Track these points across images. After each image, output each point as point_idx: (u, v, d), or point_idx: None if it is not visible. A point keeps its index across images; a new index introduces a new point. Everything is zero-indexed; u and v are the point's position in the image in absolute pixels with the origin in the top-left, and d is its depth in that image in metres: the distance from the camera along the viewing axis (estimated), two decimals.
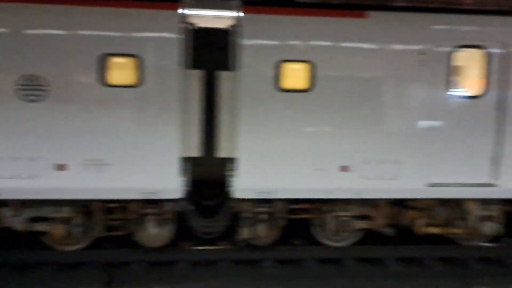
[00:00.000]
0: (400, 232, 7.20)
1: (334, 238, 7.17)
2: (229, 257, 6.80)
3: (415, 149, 6.38)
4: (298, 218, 6.82)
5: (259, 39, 6.13)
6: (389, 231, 7.10)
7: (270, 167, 6.24)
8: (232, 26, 6.47)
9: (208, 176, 6.88)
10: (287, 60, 6.14)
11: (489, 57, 6.36)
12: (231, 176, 6.38)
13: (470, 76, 6.64)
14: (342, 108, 6.25)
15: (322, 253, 7.01)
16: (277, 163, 6.25)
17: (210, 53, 6.72)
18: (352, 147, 6.31)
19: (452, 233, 7.00)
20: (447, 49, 6.32)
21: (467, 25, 6.39)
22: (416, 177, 6.42)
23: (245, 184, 6.25)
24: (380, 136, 6.35)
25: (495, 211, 6.89)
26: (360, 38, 6.24)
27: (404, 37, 6.30)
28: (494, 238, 7.39)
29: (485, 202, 6.86)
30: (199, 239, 6.92)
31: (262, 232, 6.61)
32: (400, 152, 6.37)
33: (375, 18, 6.23)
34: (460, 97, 6.45)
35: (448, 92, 6.37)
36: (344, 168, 6.33)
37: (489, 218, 6.95)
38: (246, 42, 6.06)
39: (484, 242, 7.41)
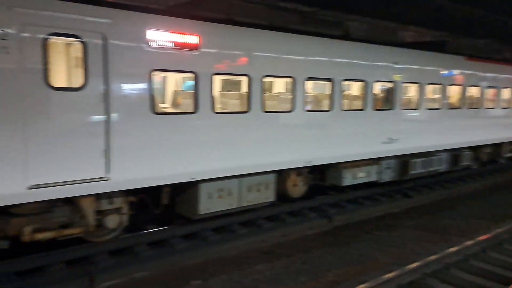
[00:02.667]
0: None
1: None
2: None
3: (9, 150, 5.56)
4: None
5: None
6: (1, 244, 6.15)
7: None
8: None
9: None
10: None
11: (88, 48, 6.12)
12: None
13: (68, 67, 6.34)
14: None
15: None
16: None
17: None
18: None
19: (70, 234, 6.63)
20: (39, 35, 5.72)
21: (62, 12, 5.92)
22: (14, 180, 5.62)
23: None
24: None
25: (117, 203, 6.94)
26: None
27: None
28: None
29: (106, 196, 6.79)
30: None
31: None
32: None
33: None
34: (59, 89, 6.00)
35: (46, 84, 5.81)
36: None
37: (112, 212, 6.97)
38: None
39: (115, 235, 7.42)
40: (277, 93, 10.27)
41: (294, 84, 8.87)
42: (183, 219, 8.47)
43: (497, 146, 15.71)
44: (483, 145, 14.71)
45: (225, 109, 8.87)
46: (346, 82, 10.22)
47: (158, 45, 6.77)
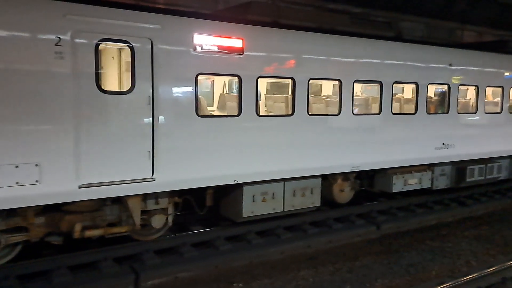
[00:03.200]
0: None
1: None
2: None
3: (62, 150, 5.88)
4: None
5: None
6: (56, 239, 6.52)
7: None
8: None
9: None
10: None
11: (136, 52, 6.34)
12: None
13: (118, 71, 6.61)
14: None
15: None
16: None
17: None
18: None
19: (117, 232, 6.88)
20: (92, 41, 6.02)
21: (112, 19, 6.19)
22: (66, 179, 5.94)
23: None
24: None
25: (162, 204, 7.13)
26: None
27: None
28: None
29: (152, 196, 6.99)
30: None
31: None
32: (41, 154, 5.76)
33: None
34: (109, 92, 6.27)
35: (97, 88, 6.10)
36: None
37: (157, 212, 7.16)
38: None
39: (160, 234, 7.62)
40: (324, 96, 10.09)
41: (341, 87, 8.66)
42: (228, 221, 8.52)
43: None
44: None
45: (269, 112, 8.85)
46: (397, 85, 9.83)
47: (203, 49, 6.88)
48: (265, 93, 9.65)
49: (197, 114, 6.97)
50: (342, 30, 9.13)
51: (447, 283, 6.35)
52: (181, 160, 6.86)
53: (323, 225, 9.28)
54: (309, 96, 8.33)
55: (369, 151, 9.24)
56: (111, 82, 6.82)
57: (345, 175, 9.62)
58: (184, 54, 6.75)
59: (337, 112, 8.72)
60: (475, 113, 11.14)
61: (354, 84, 8.84)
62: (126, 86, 6.49)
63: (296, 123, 8.15)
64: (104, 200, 6.58)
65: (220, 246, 7.78)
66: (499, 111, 11.69)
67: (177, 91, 6.80)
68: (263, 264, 7.70)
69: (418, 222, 10.19)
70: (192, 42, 6.79)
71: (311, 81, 8.28)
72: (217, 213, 8.58)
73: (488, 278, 6.62)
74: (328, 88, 10.42)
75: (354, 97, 8.93)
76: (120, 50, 6.80)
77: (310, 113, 8.32)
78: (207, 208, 7.98)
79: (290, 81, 8.10)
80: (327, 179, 9.37)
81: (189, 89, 6.87)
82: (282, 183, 8.33)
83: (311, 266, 7.66)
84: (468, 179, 11.17)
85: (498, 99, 11.82)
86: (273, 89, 9.84)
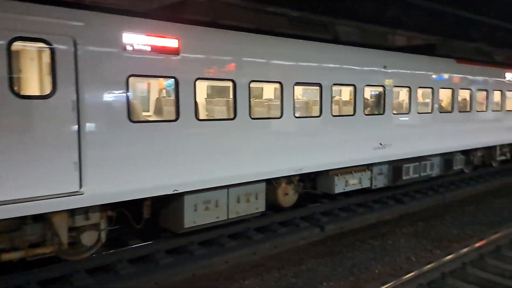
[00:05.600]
0: None
1: None
2: None
3: None
4: None
5: None
6: None
7: None
8: None
9: None
10: None
11: (55, 52, 5.72)
12: None
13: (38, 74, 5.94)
14: None
15: None
16: None
17: None
18: None
19: (41, 253, 6.18)
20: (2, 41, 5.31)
21: (26, 14, 5.52)
22: None
23: None
24: None
25: (93, 219, 6.51)
26: None
27: None
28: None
29: (81, 211, 6.36)
30: None
31: None
32: None
33: None
34: (27, 97, 5.59)
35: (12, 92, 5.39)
36: None
37: (87, 228, 6.54)
38: None
39: (92, 252, 6.97)
40: (265, 99, 9.95)
41: (282, 90, 8.54)
42: (169, 232, 8.05)
43: (490, 150, 15.54)
44: (475, 149, 14.52)
45: (210, 116, 8.51)
46: (336, 87, 9.93)
47: (134, 49, 6.40)
48: (205, 97, 9.30)
49: (130, 120, 6.46)
50: (282, 32, 9.04)
51: (390, 282, 6.39)
52: (114, 170, 6.30)
53: (268, 230, 9.11)
54: (251, 99, 8.11)
55: (311, 154, 9.22)
56: (30, 86, 6.10)
57: (289, 179, 9.53)
58: (112, 54, 6.23)
59: (279, 115, 8.59)
60: (409, 113, 11.59)
61: (295, 86, 8.77)
62: (47, 90, 5.82)
63: (238, 127, 7.89)
64: (23, 218, 5.84)
65: (160, 260, 7.31)
66: (430, 111, 12.28)
67: (106, 95, 6.24)
68: (207, 275, 7.34)
69: (360, 221, 10.37)
70: (122, 41, 6.29)
71: (252, 84, 8.07)
72: (157, 225, 8.08)
73: (429, 275, 6.78)
74: (269, 91, 10.30)
75: (295, 100, 8.86)
76: (40, 50, 6.11)
77: (252, 117, 8.10)
78: (144, 221, 7.46)
79: (230, 83, 7.83)
80: (271, 183, 9.21)
81: (120, 92, 6.35)
82: (226, 190, 8.03)
83: (256, 274, 7.43)
84: (404, 177, 11.59)
85: (429, 100, 12.41)
86: (213, 92, 9.52)
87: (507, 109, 15.37)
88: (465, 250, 7.74)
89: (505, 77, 15.21)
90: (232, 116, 7.84)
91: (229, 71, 7.76)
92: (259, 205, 8.70)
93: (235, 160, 7.86)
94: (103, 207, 6.65)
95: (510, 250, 8.19)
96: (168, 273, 7.07)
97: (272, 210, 9.76)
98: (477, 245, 8.02)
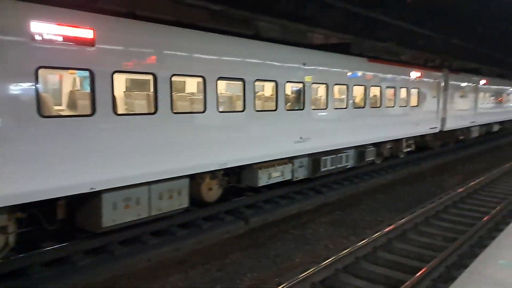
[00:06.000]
0: None
1: None
2: None
3: None
4: None
5: None
6: None
7: None
8: None
9: None
10: None
11: None
12: None
13: None
14: None
15: None
16: None
17: None
18: None
19: None
20: None
21: None
22: None
23: None
24: None
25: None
26: None
27: None
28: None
29: None
30: None
31: None
32: None
33: None
34: None
35: None
36: None
37: None
38: None
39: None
40: (188, 93, 9.83)
41: (205, 84, 8.52)
42: (87, 233, 7.66)
43: (397, 142, 16.94)
44: (384, 141, 15.73)
45: (129, 111, 8.22)
46: (259, 83, 10.13)
47: (44, 39, 5.95)
48: (124, 90, 8.94)
49: (40, 114, 6.01)
50: (204, 26, 8.99)
51: (310, 269, 6.74)
52: (22, 169, 5.83)
53: (192, 226, 9.06)
54: (173, 93, 7.97)
55: (235, 148, 9.33)
56: None
57: (213, 173, 9.55)
58: (19, 44, 5.73)
59: (202, 109, 8.56)
60: (326, 108, 12.20)
61: (218, 81, 8.79)
62: None
63: (159, 121, 7.72)
64: None
65: (77, 262, 6.95)
66: (345, 106, 13.05)
67: (11, 87, 5.74)
68: (128, 275, 7.14)
69: (282, 212, 10.74)
70: (29, 30, 5.81)
71: (174, 78, 7.94)
72: (75, 225, 7.64)
73: (344, 259, 7.26)
74: (192, 85, 10.20)
75: (218, 95, 8.88)
76: None
77: (174, 111, 7.98)
78: (59, 222, 7.01)
79: (151, 77, 7.62)
80: (195, 179, 9.16)
81: (28, 85, 5.87)
82: (147, 187, 7.82)
83: (181, 270, 7.39)
84: (322, 169, 12.21)
85: (344, 96, 13.18)
86: (133, 86, 9.19)
87: (412, 105, 16.85)
88: (375, 235, 8.40)
89: (410, 76, 16.64)
90: (153, 110, 7.65)
91: (150, 64, 7.55)
92: (183, 201, 8.62)
93: (156, 156, 7.69)
94: (12, 209, 6.13)
95: (414, 234, 9.06)
96: (87, 275, 6.75)
97: (197, 205, 9.72)
98: (386, 230, 8.74)
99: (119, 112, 7.33)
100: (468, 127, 22.87)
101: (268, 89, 11.62)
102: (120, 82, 8.53)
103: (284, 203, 11.25)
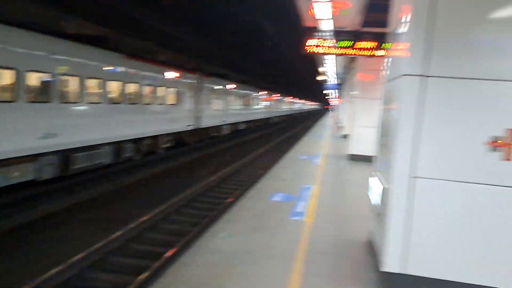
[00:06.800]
0: None
1: None
2: None
3: None
4: None
5: None
6: None
7: None
8: None
9: None
10: None
11: None
12: None
13: None
14: None
15: None
16: None
17: None
18: None
19: None
20: None
21: None
22: None
23: None
24: None
25: None
26: None
27: None
28: None
29: None
30: None
31: None
32: None
33: None
34: None
35: None
36: None
37: None
38: None
39: None
40: None
41: None
42: None
43: (156, 138, 17.66)
44: (144, 138, 16.15)
45: None
46: None
47: None
48: None
49: None
50: None
51: (54, 268, 6.35)
52: None
53: None
54: None
55: None
56: None
57: None
58: None
59: None
60: (80, 102, 11.62)
61: None
62: None
63: None
64: None
65: None
66: (101, 101, 12.73)
67: None
68: None
69: (30, 215, 9.64)
70: None
71: None
72: None
73: (93, 256, 7.14)
74: None
75: None
76: None
77: None
78: None
79: None
80: None
81: None
82: None
83: None
84: (76, 166, 11.58)
85: (100, 91, 12.83)
86: None
87: (170, 103, 17.89)
88: (129, 227, 8.58)
89: (168, 76, 17.60)
90: None
91: None
92: None
93: None
94: None
95: (164, 223, 9.69)
96: None
97: None
98: (141, 220, 9.05)
99: None
100: (220, 125, 25.91)
101: (6, 77, 10.21)
102: None
103: (29, 206, 10.11)
